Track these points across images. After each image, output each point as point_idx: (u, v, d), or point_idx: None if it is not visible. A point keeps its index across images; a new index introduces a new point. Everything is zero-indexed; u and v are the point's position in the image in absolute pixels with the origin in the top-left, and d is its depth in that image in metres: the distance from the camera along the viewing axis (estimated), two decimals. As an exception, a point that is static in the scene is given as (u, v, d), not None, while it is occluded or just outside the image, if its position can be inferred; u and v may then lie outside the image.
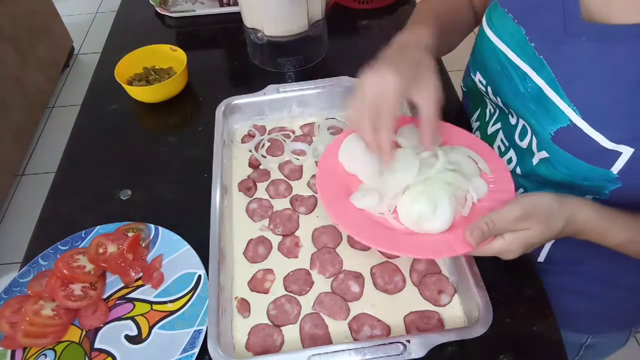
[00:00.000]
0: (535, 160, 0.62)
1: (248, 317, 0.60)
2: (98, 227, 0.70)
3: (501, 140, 0.70)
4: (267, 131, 0.82)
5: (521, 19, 0.60)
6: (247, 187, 0.74)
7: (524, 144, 0.64)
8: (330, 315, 0.60)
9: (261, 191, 0.74)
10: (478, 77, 0.70)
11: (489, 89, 0.68)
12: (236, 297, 0.62)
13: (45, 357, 0.59)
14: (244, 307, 0.61)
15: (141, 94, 0.89)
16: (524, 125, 0.63)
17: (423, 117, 0.56)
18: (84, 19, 2.82)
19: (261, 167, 0.77)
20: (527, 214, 0.50)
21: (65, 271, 0.63)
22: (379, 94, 0.54)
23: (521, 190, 0.68)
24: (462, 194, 0.59)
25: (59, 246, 0.68)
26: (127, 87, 0.88)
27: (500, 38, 0.62)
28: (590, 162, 0.54)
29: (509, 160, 0.69)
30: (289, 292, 0.62)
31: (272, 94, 0.82)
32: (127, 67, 0.92)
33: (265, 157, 0.78)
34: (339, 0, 1.12)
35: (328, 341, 0.57)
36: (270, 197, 0.73)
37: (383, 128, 0.55)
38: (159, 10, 1.11)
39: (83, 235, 0.69)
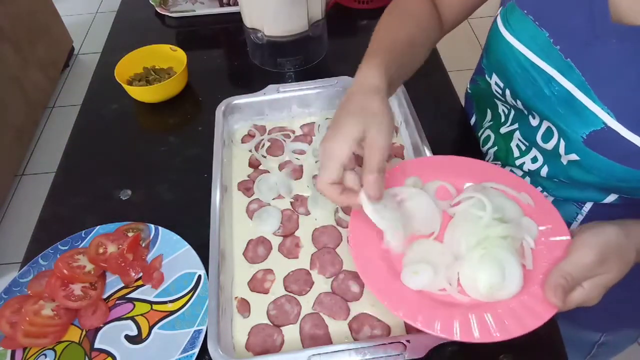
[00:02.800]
0: (564, 161, 0.61)
1: (248, 317, 0.60)
2: (98, 227, 0.70)
3: (519, 140, 0.69)
4: (267, 131, 0.82)
5: (543, 21, 0.58)
6: (247, 187, 0.74)
7: (548, 146, 0.62)
8: (330, 315, 0.60)
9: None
10: (494, 80, 0.68)
11: (507, 91, 0.66)
12: (236, 297, 0.62)
13: (45, 357, 0.59)
14: (244, 307, 0.61)
15: (141, 94, 0.89)
16: (548, 127, 0.62)
17: (364, 167, 0.52)
18: (84, 19, 2.82)
19: (261, 167, 0.77)
20: (602, 258, 0.47)
21: (65, 271, 0.63)
22: (335, 158, 0.51)
23: (546, 195, 0.67)
24: (518, 244, 0.54)
25: (59, 246, 0.68)
26: (127, 87, 0.88)
27: (520, 40, 0.60)
28: (627, 164, 0.53)
29: (534, 159, 0.67)
30: (289, 292, 0.62)
31: (272, 94, 0.82)
32: (127, 67, 0.92)
33: (265, 157, 0.78)
34: (339, 0, 1.12)
35: (328, 341, 0.57)
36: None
37: (330, 196, 0.53)
38: (159, 10, 1.11)
39: (83, 235, 0.69)
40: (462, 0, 0.70)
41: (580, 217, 0.66)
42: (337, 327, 0.59)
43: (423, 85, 0.89)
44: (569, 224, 0.66)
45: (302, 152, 0.79)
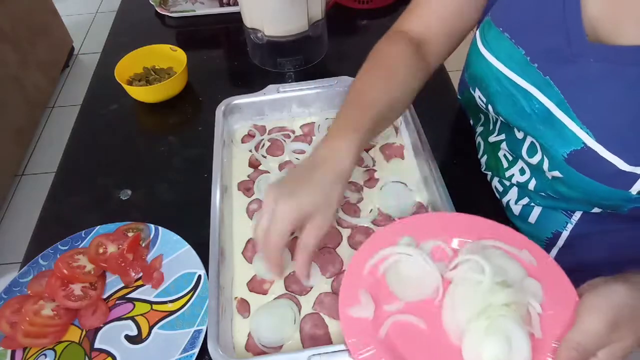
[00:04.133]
0: (549, 176, 0.60)
1: (248, 317, 0.60)
2: (98, 227, 0.70)
3: (506, 151, 0.69)
4: (267, 131, 0.82)
5: (519, 39, 0.57)
6: (247, 187, 0.74)
7: (533, 161, 0.61)
8: (330, 315, 0.59)
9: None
10: (478, 94, 0.67)
11: (490, 107, 0.65)
12: (236, 297, 0.62)
13: (45, 357, 0.59)
14: (244, 307, 0.61)
15: (141, 94, 0.89)
16: (532, 142, 0.61)
17: (300, 243, 0.53)
18: (84, 19, 2.82)
19: (261, 167, 0.77)
20: (614, 323, 0.44)
21: (65, 271, 0.63)
22: (274, 218, 0.52)
23: (533, 206, 0.66)
24: (524, 310, 0.50)
25: (59, 246, 0.68)
26: (127, 87, 0.88)
27: (497, 58, 0.59)
28: (607, 184, 0.51)
29: (522, 171, 0.66)
30: (290, 292, 0.62)
31: (272, 94, 0.82)
32: (127, 67, 0.92)
33: (265, 157, 0.78)
34: (339, 0, 1.12)
35: (328, 341, 0.57)
36: (270, 197, 0.73)
37: (271, 252, 0.54)
38: (159, 10, 1.11)
39: (83, 235, 0.69)
40: (447, 35, 0.68)
41: (569, 226, 0.65)
42: (337, 327, 0.58)
43: (423, 85, 0.89)
44: (558, 232, 0.66)
45: (302, 152, 0.79)
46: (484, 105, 0.67)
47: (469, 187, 0.75)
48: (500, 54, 0.59)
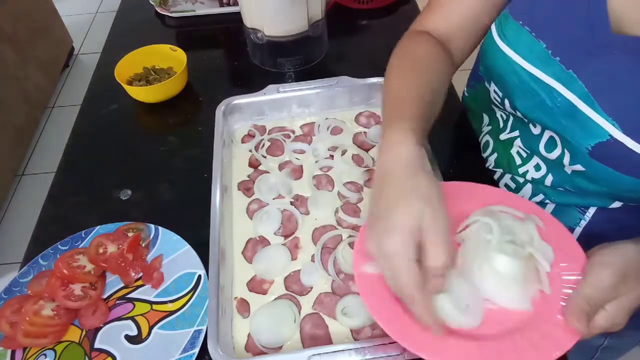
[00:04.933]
0: (568, 171, 0.60)
1: (248, 317, 0.60)
2: (98, 227, 0.70)
3: (520, 147, 0.68)
4: (267, 131, 0.82)
5: (540, 32, 0.56)
6: (247, 187, 0.74)
7: (551, 156, 0.61)
8: (330, 315, 0.59)
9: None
10: (493, 87, 0.66)
11: (506, 101, 0.65)
12: (236, 297, 0.62)
13: (45, 357, 0.59)
14: (244, 307, 0.61)
15: (141, 94, 0.89)
16: (551, 136, 0.60)
17: (429, 267, 0.45)
18: (84, 19, 2.82)
19: (261, 167, 0.77)
20: (623, 276, 0.44)
21: (65, 271, 0.63)
22: (393, 258, 0.45)
23: (547, 202, 0.65)
24: (532, 267, 0.51)
25: (59, 246, 0.68)
26: (127, 87, 0.88)
27: (517, 52, 0.58)
28: (634, 175, 0.51)
29: (537, 167, 0.65)
30: (290, 292, 0.62)
31: (272, 94, 0.82)
32: (127, 67, 0.92)
33: (265, 157, 0.78)
34: (339, 0, 1.12)
35: (328, 341, 0.57)
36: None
37: (417, 303, 0.45)
38: (159, 10, 1.11)
39: (83, 235, 0.69)
40: (470, 32, 0.67)
41: (583, 223, 0.65)
42: (337, 327, 0.59)
43: (423, 85, 0.89)
44: (571, 229, 0.66)
45: (302, 152, 0.79)
46: (499, 100, 0.66)
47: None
48: (519, 48, 0.58)
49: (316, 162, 0.77)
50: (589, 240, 0.62)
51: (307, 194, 0.73)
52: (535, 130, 0.63)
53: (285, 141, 0.80)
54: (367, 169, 0.75)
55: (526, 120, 0.64)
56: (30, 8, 2.16)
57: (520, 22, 0.58)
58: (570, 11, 0.54)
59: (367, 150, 0.78)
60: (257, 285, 0.63)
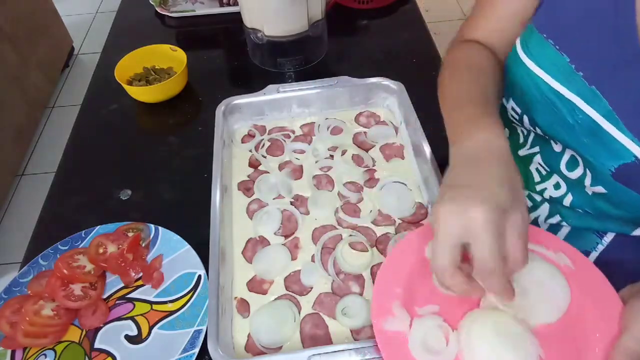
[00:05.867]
0: (589, 192, 0.57)
1: (248, 317, 0.60)
2: (98, 227, 0.70)
3: (539, 164, 0.65)
4: (267, 131, 0.82)
5: (564, 46, 0.54)
6: (247, 187, 0.74)
7: (573, 175, 0.58)
8: (330, 315, 0.59)
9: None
10: (511, 105, 0.64)
11: (525, 118, 0.62)
12: (235, 297, 0.62)
13: (45, 357, 0.59)
14: (244, 307, 0.61)
15: (141, 94, 0.89)
16: (572, 155, 0.58)
17: (510, 253, 0.43)
18: (84, 19, 2.82)
19: (261, 167, 0.77)
20: None
21: (65, 271, 0.63)
22: (466, 234, 0.42)
23: (564, 225, 0.62)
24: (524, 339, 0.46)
25: (59, 246, 0.68)
26: (127, 87, 0.88)
27: (540, 66, 0.56)
28: None
29: (557, 186, 0.63)
30: (290, 292, 0.62)
31: (272, 94, 0.82)
32: (127, 67, 0.92)
33: (265, 157, 0.78)
34: (339, 0, 1.12)
35: (328, 341, 0.57)
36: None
37: (495, 277, 0.42)
38: (159, 10, 1.11)
39: (83, 235, 0.69)
40: (508, 43, 0.64)
41: (600, 247, 0.62)
42: (337, 327, 0.59)
43: (423, 85, 0.89)
44: (587, 253, 0.62)
45: (302, 152, 0.79)
46: (517, 117, 0.64)
47: None
48: (542, 62, 0.56)
49: (316, 162, 0.77)
50: (605, 267, 0.59)
51: (307, 194, 0.73)
52: (557, 148, 0.60)
53: (285, 141, 0.80)
54: (367, 169, 0.75)
55: (547, 137, 0.61)
56: (30, 8, 2.16)
57: (545, 35, 0.56)
58: (596, 24, 0.51)
59: (367, 150, 0.78)
60: (257, 285, 0.63)
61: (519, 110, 0.63)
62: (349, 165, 0.76)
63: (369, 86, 0.82)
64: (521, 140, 0.69)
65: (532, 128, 0.62)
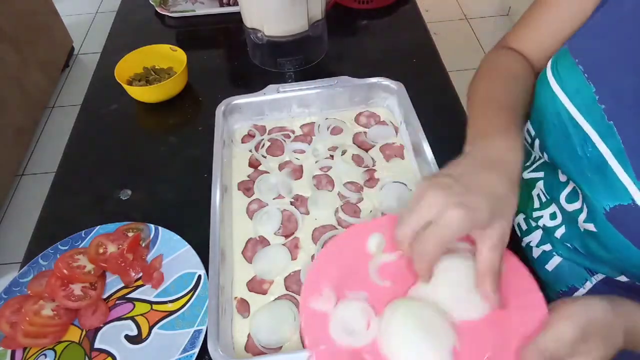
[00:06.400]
0: (581, 228, 0.56)
1: (248, 317, 0.60)
2: (98, 227, 0.70)
3: (541, 191, 0.64)
4: (267, 131, 0.82)
5: (593, 75, 0.52)
6: (247, 187, 0.74)
7: (570, 208, 0.58)
8: (330, 315, 0.59)
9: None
10: (527, 126, 0.63)
11: (537, 142, 0.61)
12: (235, 297, 0.62)
13: (45, 357, 0.59)
14: (244, 307, 0.61)
15: (141, 94, 0.89)
16: (574, 188, 0.57)
17: (481, 268, 0.45)
18: (84, 19, 2.82)
19: (261, 167, 0.77)
20: (585, 334, 0.42)
21: (65, 271, 0.63)
22: (437, 225, 0.43)
23: (554, 254, 0.62)
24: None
25: (59, 246, 0.68)
26: (127, 87, 0.88)
27: (564, 91, 0.54)
28: None
29: (553, 216, 0.62)
30: (290, 292, 0.62)
31: (272, 94, 0.82)
32: (127, 67, 0.92)
33: (265, 157, 0.78)
34: (339, 0, 1.12)
35: (328, 341, 0.57)
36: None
37: (425, 262, 0.45)
38: (159, 10, 1.11)
39: (83, 235, 0.69)
40: (545, 61, 0.61)
41: (588, 285, 0.60)
42: (337, 327, 0.58)
43: (423, 85, 0.89)
44: (575, 289, 0.61)
45: (302, 152, 0.79)
46: (529, 140, 0.63)
47: None
48: (567, 87, 0.54)
49: (316, 162, 0.77)
50: None
51: (307, 194, 0.73)
52: (562, 178, 0.60)
53: (285, 141, 0.80)
54: (367, 169, 0.75)
55: (554, 165, 0.60)
56: (30, 8, 2.16)
57: (577, 60, 0.54)
58: (630, 61, 0.50)
59: (367, 150, 0.78)
60: (257, 285, 0.63)
61: (532, 132, 0.62)
62: (349, 165, 0.76)
63: (369, 86, 0.82)
64: (529, 161, 0.68)
65: (540, 153, 0.62)
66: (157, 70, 0.94)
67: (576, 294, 0.61)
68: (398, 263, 0.53)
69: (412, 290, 0.51)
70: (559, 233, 0.61)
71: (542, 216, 0.64)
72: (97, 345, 0.59)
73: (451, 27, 2.51)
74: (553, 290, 0.65)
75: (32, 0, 2.18)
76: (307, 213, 0.70)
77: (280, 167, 0.77)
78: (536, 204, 0.66)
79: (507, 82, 0.60)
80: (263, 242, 0.67)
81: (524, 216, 0.69)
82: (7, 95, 1.93)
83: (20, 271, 0.66)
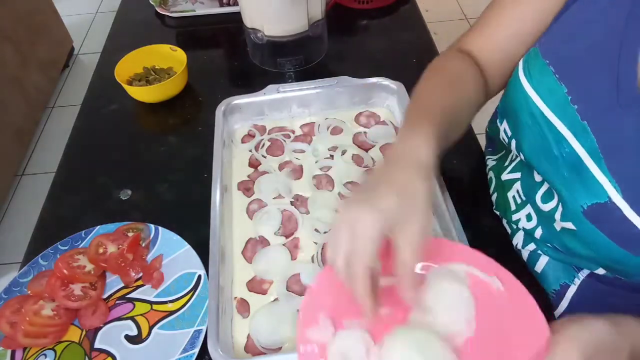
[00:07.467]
0: (557, 227, 0.56)
1: (248, 317, 0.60)
2: (98, 227, 0.70)
3: (517, 192, 0.65)
4: (267, 131, 0.82)
5: (564, 75, 0.52)
6: (247, 187, 0.74)
7: (545, 207, 0.58)
8: (330, 315, 0.59)
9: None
10: (504, 126, 0.63)
11: (513, 142, 0.61)
12: (235, 298, 0.62)
13: (45, 357, 0.59)
14: (244, 307, 0.61)
15: (141, 94, 0.89)
16: (549, 188, 0.57)
17: (398, 262, 0.44)
18: (84, 19, 2.82)
19: (261, 167, 0.77)
20: (589, 357, 0.41)
21: (65, 271, 0.63)
22: (355, 237, 0.44)
23: (540, 254, 0.62)
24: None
25: (59, 246, 0.68)
26: (127, 87, 0.88)
27: (537, 92, 0.55)
28: (623, 246, 0.48)
29: (529, 217, 0.63)
30: (290, 292, 0.62)
31: (272, 94, 0.82)
32: (127, 67, 0.92)
33: (265, 157, 0.78)
34: (339, 0, 1.12)
35: (328, 341, 0.57)
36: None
37: (358, 279, 0.44)
38: (159, 10, 1.11)
39: (83, 235, 0.69)
40: (510, 63, 0.62)
41: (577, 281, 0.60)
42: (337, 327, 0.58)
43: (423, 85, 0.89)
44: (567, 286, 0.61)
45: (302, 152, 0.79)
46: (507, 140, 0.63)
47: (469, 186, 0.75)
48: (540, 88, 0.55)
49: (316, 162, 0.77)
50: (583, 301, 0.59)
51: (307, 194, 0.73)
52: (537, 178, 0.60)
53: (285, 141, 0.80)
54: (367, 169, 0.75)
55: (530, 165, 0.61)
56: (30, 8, 2.16)
57: (547, 61, 0.54)
58: (599, 61, 0.50)
59: (367, 150, 0.78)
60: (257, 286, 0.63)
61: (509, 133, 0.62)
62: (349, 165, 0.76)
63: (369, 86, 0.82)
64: (506, 162, 0.68)
65: (517, 153, 0.62)
66: (157, 70, 0.94)
67: (568, 290, 0.62)
68: (394, 287, 0.50)
69: (410, 316, 0.49)
70: (537, 234, 0.62)
71: (520, 219, 0.65)
72: (97, 345, 0.59)
73: (451, 27, 2.51)
74: (547, 290, 0.65)
75: (32, 0, 2.18)
76: (307, 213, 0.70)
77: (280, 167, 0.77)
78: (512, 207, 0.66)
79: (442, 86, 0.59)
80: (263, 242, 0.67)
81: (505, 220, 0.69)
82: (7, 95, 1.93)
83: (20, 271, 0.66)
